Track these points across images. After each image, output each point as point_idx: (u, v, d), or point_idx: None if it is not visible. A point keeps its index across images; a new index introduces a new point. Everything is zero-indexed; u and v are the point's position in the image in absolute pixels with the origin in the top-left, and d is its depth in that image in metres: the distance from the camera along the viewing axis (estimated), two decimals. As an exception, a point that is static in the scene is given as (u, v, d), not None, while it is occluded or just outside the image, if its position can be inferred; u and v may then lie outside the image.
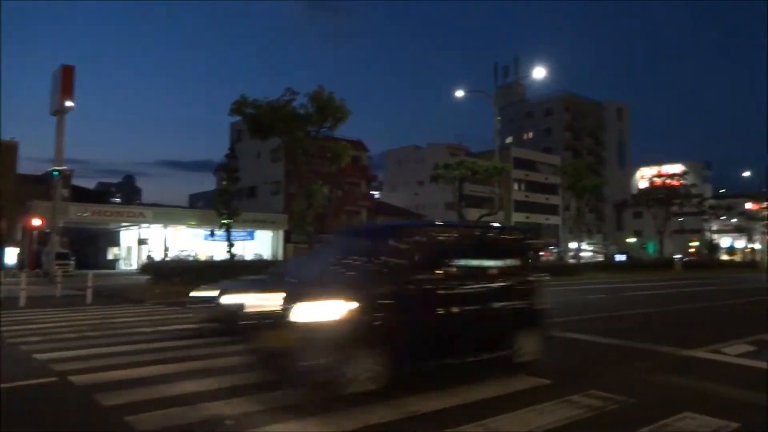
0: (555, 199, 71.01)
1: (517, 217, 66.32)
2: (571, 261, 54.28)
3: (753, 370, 7.14)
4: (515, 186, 66.70)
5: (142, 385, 5.88)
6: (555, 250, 70.49)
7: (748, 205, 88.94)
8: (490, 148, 44.98)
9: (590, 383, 5.99)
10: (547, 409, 5.02)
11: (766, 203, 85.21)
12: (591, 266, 48.03)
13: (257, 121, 27.73)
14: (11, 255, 40.41)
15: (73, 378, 6.24)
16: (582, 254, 59.33)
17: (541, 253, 65.70)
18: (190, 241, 43.22)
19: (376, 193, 73.94)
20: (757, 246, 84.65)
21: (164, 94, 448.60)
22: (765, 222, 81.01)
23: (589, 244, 74.62)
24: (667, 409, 5.07)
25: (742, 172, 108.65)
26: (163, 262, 31.47)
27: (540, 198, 70.42)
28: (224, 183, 30.55)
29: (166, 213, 44.03)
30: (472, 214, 39.56)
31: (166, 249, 41.53)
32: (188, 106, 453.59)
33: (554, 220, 72.37)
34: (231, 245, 28.83)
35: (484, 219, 38.63)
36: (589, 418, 4.82)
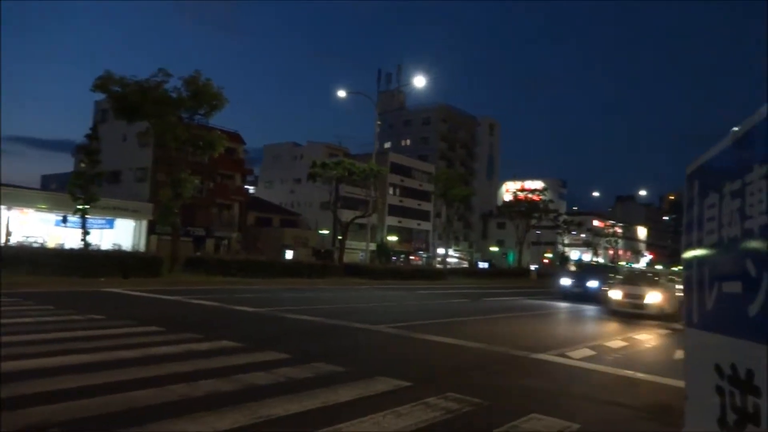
0: (427, 206, 73.57)
1: (391, 221, 67.80)
2: (439, 266, 56.56)
3: (593, 373, 7.75)
4: (390, 190, 68.13)
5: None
6: (424, 255, 73.02)
7: (596, 222, 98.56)
8: (369, 151, 45.42)
9: (448, 385, 6.12)
10: (404, 412, 5.00)
11: (609, 221, 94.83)
12: (457, 272, 50.33)
13: (124, 100, 25.84)
14: None
15: None
16: (449, 260, 61.97)
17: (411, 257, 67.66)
18: (38, 227, 39.20)
19: (251, 188, 72.04)
20: (601, 260, 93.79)
21: (21, 64, 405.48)
22: (608, 238, 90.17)
23: (456, 250, 78.20)
24: (516, 410, 5.28)
25: (592, 191, 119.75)
26: (2, 248, 28.14)
27: (413, 203, 72.54)
28: (83, 165, 28.04)
29: (11, 193, 39.45)
30: (347, 215, 39.75)
31: (9, 234, 37.32)
32: (48, 80, 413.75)
33: (425, 225, 74.91)
34: (86, 233, 26.56)
35: (359, 221, 39.01)
36: (444, 421, 4.87)
